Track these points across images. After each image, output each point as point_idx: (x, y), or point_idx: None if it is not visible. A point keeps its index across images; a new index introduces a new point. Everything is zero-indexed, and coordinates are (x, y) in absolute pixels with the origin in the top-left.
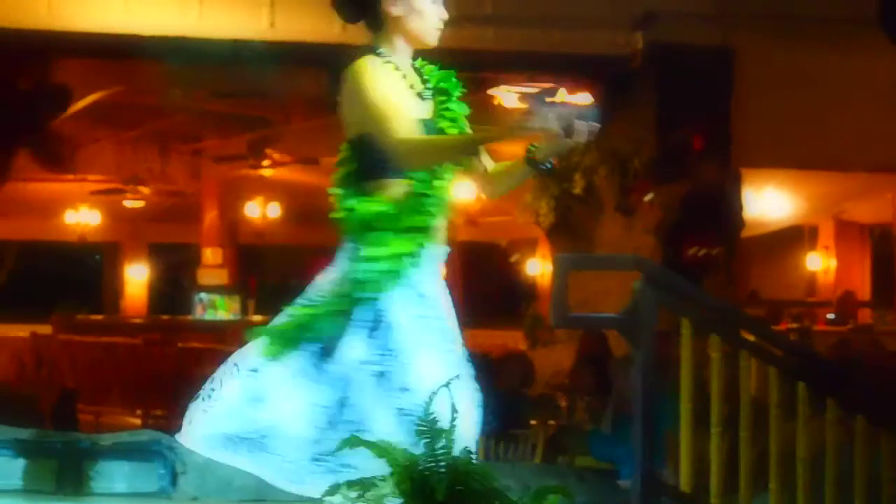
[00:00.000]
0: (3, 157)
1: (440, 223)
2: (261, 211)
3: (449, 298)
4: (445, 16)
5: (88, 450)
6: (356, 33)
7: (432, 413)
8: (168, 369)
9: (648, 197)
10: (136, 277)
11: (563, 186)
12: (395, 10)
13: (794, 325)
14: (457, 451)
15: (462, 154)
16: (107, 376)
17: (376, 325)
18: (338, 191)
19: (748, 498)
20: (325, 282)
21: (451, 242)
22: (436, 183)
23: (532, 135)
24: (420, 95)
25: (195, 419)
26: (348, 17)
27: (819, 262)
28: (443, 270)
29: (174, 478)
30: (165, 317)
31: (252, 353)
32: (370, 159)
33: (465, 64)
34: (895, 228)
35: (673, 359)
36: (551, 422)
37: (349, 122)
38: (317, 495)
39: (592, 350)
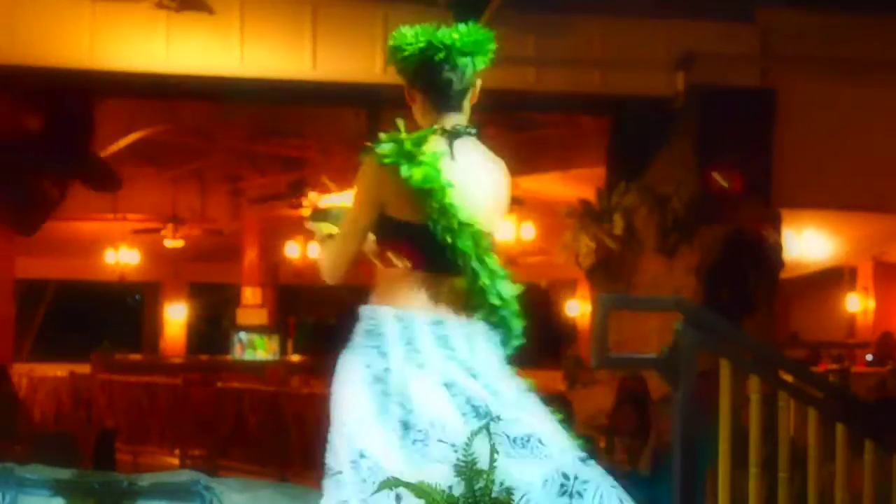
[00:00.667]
0: (45, 194)
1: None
2: (300, 251)
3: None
4: None
5: (127, 490)
6: (396, 75)
7: (472, 453)
8: (207, 409)
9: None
10: (176, 317)
11: (604, 227)
12: (474, 99)
13: (834, 367)
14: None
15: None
16: (145, 416)
17: None
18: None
19: None
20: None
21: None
22: None
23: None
24: None
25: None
26: (451, 92)
27: (858, 304)
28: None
29: None
30: (204, 356)
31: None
32: None
33: (507, 104)
34: None
35: (713, 400)
36: None
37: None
38: None
39: (632, 391)
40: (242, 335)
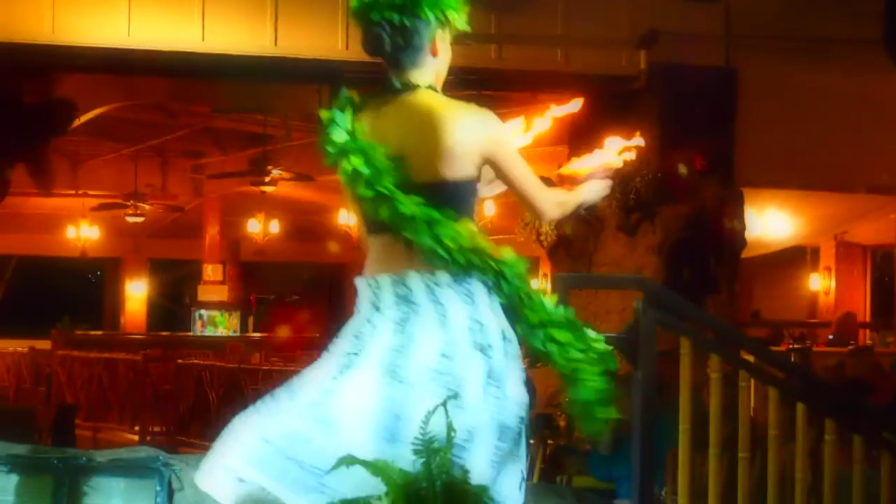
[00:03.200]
0: (4, 171)
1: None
2: (262, 228)
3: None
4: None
5: (85, 466)
6: (359, 51)
7: (429, 431)
8: (167, 386)
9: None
10: (137, 293)
11: None
12: (440, 51)
13: (796, 346)
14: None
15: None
16: (105, 392)
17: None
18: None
19: None
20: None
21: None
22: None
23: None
24: None
25: (242, 431)
26: (379, 48)
27: (820, 283)
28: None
29: (171, 495)
30: (165, 333)
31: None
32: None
33: (468, 83)
34: None
35: (673, 379)
36: (550, 441)
37: (465, 161)
38: None
39: None
40: (203, 312)
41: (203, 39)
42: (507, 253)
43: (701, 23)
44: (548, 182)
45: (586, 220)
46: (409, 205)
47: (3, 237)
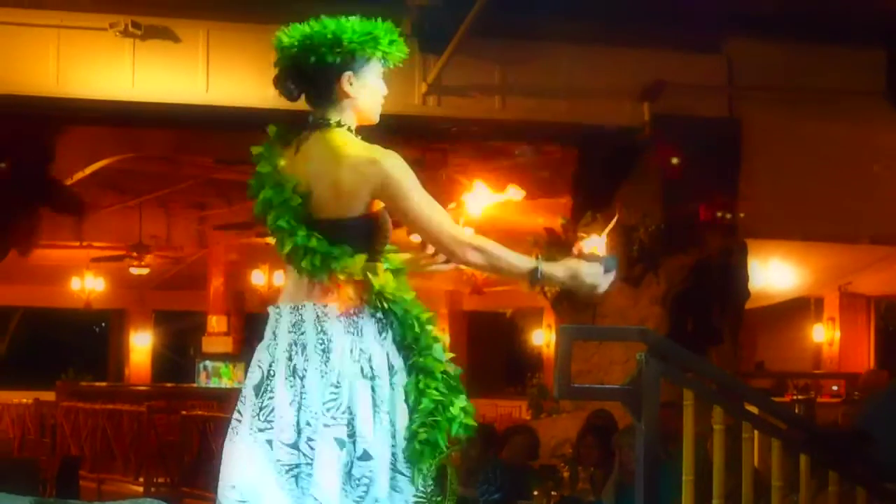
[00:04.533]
0: (7, 226)
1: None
2: (266, 279)
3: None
4: (385, 91)
5: None
6: None
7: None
8: (171, 437)
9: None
10: (141, 344)
11: (569, 256)
12: (350, 91)
13: (800, 397)
14: None
15: (509, 274)
16: (110, 443)
17: None
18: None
19: None
20: None
21: (457, 312)
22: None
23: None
24: None
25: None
26: (290, 94)
27: (824, 334)
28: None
29: None
30: (169, 384)
31: None
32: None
33: (472, 133)
34: None
35: (676, 430)
36: (554, 493)
37: (355, 202)
38: None
39: (596, 421)
40: (208, 363)
41: (207, 91)
42: (405, 296)
43: (704, 74)
44: (552, 236)
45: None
46: (305, 238)
47: (8, 289)
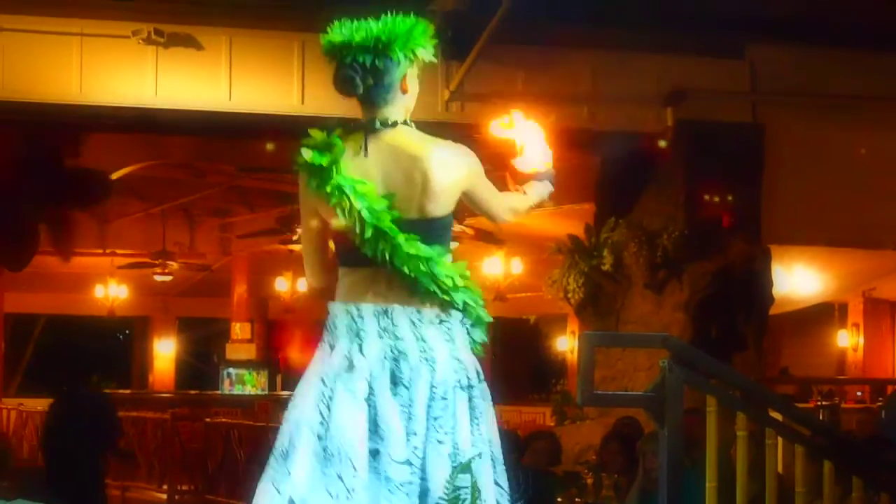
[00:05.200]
0: (32, 232)
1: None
2: (289, 286)
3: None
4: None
5: None
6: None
7: (455, 491)
8: (195, 444)
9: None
10: (165, 352)
11: (592, 263)
12: (410, 89)
13: (824, 403)
14: None
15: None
16: (134, 451)
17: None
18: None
19: None
20: None
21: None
22: None
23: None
24: None
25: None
26: (354, 90)
27: (848, 340)
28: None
29: None
30: (193, 391)
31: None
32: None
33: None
34: None
35: (700, 436)
36: (578, 499)
37: (449, 198)
38: None
39: (621, 428)
40: (231, 370)
41: (230, 99)
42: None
43: (727, 80)
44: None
45: (614, 277)
46: (410, 242)
47: (32, 296)
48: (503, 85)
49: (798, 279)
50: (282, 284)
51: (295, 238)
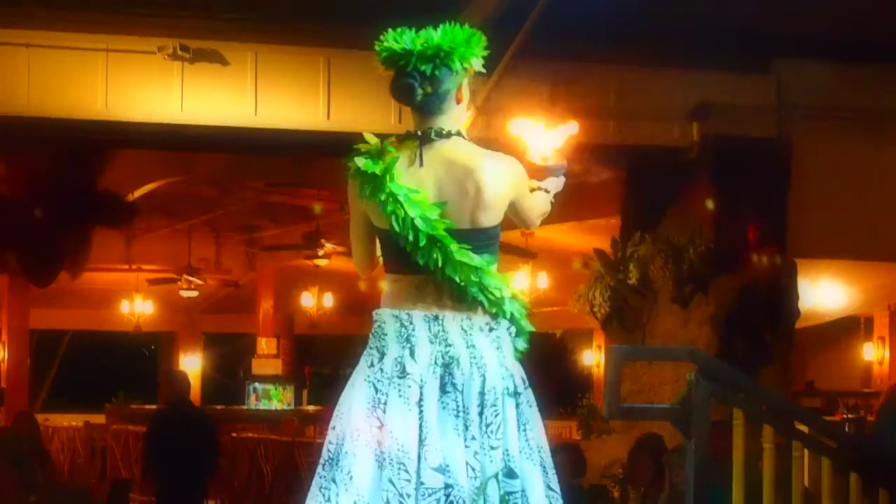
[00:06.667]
0: (58, 249)
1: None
2: (315, 301)
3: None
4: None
5: None
6: (410, 124)
7: (507, 496)
8: (222, 460)
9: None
10: (191, 367)
11: (619, 277)
12: (463, 100)
13: (850, 416)
14: None
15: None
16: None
17: None
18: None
19: None
20: None
21: None
22: None
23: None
24: None
25: None
26: (413, 99)
27: (874, 353)
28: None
29: None
30: (219, 406)
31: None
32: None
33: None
34: None
35: (727, 449)
36: None
37: (499, 208)
38: None
39: (648, 441)
40: (257, 385)
41: (256, 115)
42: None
43: (754, 94)
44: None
45: (641, 292)
46: (462, 251)
47: (58, 312)
48: (529, 100)
49: (824, 293)
50: (308, 300)
51: (321, 253)
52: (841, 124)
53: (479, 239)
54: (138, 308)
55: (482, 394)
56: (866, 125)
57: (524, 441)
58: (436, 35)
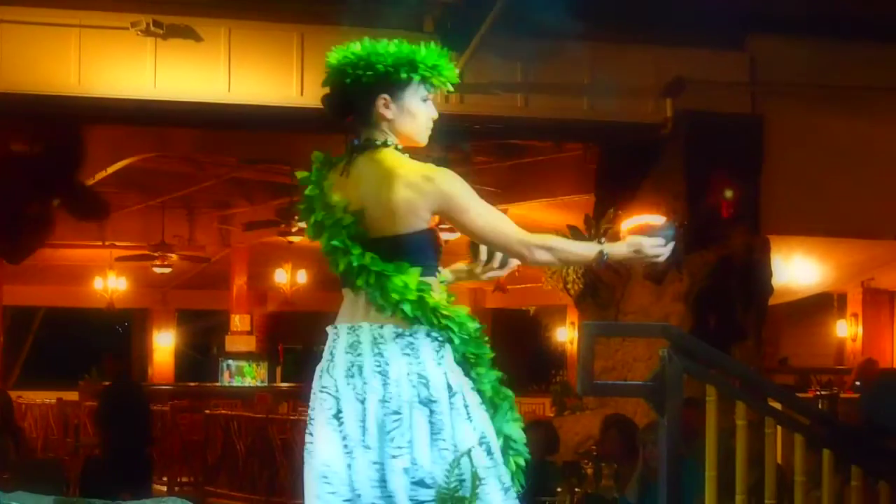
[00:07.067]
0: (31, 222)
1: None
2: (289, 278)
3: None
4: (435, 115)
5: None
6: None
7: (454, 481)
8: (195, 436)
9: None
10: (164, 344)
11: None
12: (388, 114)
13: (823, 393)
14: None
15: (577, 263)
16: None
17: None
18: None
19: None
20: None
21: (480, 309)
22: None
23: (642, 259)
24: None
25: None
26: (335, 114)
27: (847, 330)
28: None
29: None
30: (192, 383)
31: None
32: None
33: (495, 131)
34: None
35: (699, 426)
36: (577, 489)
37: (411, 216)
38: None
39: (619, 416)
40: (231, 362)
41: (229, 91)
42: (459, 311)
43: (727, 71)
44: (575, 233)
45: (613, 268)
46: (359, 257)
47: (31, 289)
48: (503, 76)
49: (797, 269)
50: (281, 276)
51: (294, 230)
52: (814, 101)
53: (395, 246)
54: (111, 284)
55: (384, 401)
56: (839, 102)
57: (435, 451)
58: (349, 49)
